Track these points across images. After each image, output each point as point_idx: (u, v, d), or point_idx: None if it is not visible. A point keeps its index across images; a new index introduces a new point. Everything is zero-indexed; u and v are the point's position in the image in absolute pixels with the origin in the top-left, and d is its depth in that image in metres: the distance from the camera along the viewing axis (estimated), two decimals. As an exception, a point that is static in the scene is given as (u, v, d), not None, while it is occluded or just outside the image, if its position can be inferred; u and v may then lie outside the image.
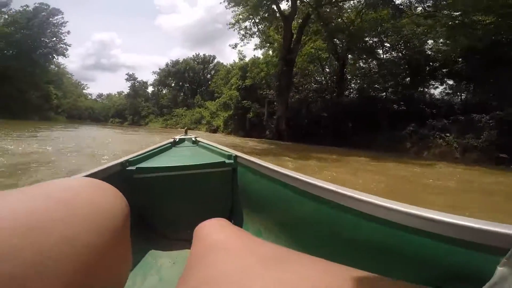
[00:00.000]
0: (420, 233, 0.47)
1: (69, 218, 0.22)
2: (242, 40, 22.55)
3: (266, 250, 0.28)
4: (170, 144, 1.71)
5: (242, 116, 24.57)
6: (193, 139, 1.89)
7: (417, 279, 0.47)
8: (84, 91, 73.71)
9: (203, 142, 1.74)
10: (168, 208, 1.22)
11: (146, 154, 1.34)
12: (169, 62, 63.50)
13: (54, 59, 40.11)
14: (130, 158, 1.18)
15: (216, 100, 31.42)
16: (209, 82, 53.27)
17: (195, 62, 61.60)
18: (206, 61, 62.24)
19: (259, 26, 22.28)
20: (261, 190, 1.01)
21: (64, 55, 39.48)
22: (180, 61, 62.20)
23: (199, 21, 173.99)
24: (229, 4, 21.03)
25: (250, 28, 22.20)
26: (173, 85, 62.16)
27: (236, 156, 1.25)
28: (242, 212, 1.16)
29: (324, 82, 22.62)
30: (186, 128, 2.64)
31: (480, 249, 0.40)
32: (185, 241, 1.03)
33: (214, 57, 63.11)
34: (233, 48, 23.19)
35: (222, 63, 48.53)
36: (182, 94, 60.62)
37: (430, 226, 0.46)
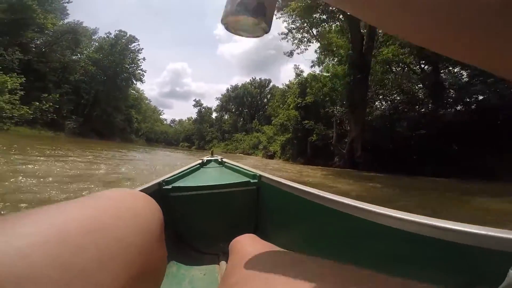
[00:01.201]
0: (435, 242, 0.48)
1: (118, 222, 0.24)
2: (298, 46, 18.10)
3: (290, 257, 0.31)
4: (198, 165, 1.71)
5: (303, 140, 19.50)
6: (219, 160, 1.87)
7: (433, 283, 0.47)
8: (160, 116, 78.85)
9: (229, 163, 1.74)
10: (199, 224, 1.23)
11: (179, 174, 1.38)
12: (229, 88, 63.98)
13: (133, 84, 41.14)
14: (166, 178, 1.21)
15: (273, 121, 27.15)
16: (266, 107, 50.45)
17: (252, 87, 60.30)
18: (262, 85, 60.39)
19: (317, 30, 17.60)
20: (283, 206, 1.04)
21: (141, 80, 40.58)
22: (239, 86, 61.84)
23: (253, 48, 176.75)
24: (278, 11, 17.21)
25: (308, 31, 17.68)
26: (233, 110, 61.61)
27: (260, 176, 1.25)
28: (267, 227, 1.17)
29: (412, 92, 16.04)
30: (212, 149, 2.43)
31: (493, 254, 0.41)
32: (214, 255, 1.11)
33: (269, 81, 60.94)
34: (288, 55, 18.93)
35: (278, 87, 44.96)
36: (241, 119, 59.37)
37: (443, 235, 0.47)
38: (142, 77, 39.76)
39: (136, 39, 37.63)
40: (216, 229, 1.23)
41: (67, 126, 29.67)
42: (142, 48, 38.52)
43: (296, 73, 22.73)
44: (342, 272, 0.25)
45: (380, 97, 17.55)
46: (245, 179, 1.28)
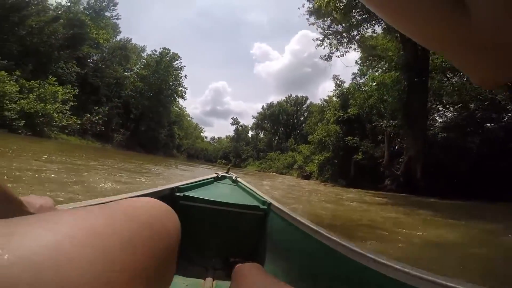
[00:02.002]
0: None
1: (146, 233, 0.25)
2: (337, 48, 16.04)
3: None
4: (213, 179, 1.70)
5: (345, 159, 16.79)
6: (233, 178, 1.85)
7: None
8: (201, 134, 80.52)
9: (242, 183, 1.72)
10: (200, 236, 1.22)
11: (192, 184, 1.37)
12: (264, 105, 63.34)
13: (176, 101, 41.49)
14: (179, 186, 1.24)
15: (309, 138, 24.57)
16: (303, 125, 48.12)
17: (288, 104, 58.73)
18: (298, 103, 58.44)
19: (357, 30, 15.45)
20: (287, 238, 1.01)
21: (183, 97, 41.23)
22: (275, 104, 60.82)
23: (288, 66, 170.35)
24: (310, 15, 15.67)
25: (348, 31, 15.58)
26: (268, 128, 60.43)
27: (270, 203, 1.23)
28: (266, 255, 1.14)
29: (487, 98, 12.49)
30: (229, 166, 2.33)
31: None
32: (204, 269, 1.09)
33: (306, 98, 58.62)
34: (326, 60, 16.84)
35: (315, 104, 42.36)
36: (276, 138, 57.76)
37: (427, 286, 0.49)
38: (184, 94, 40.87)
39: (179, 56, 38.41)
40: (215, 245, 1.21)
41: (115, 139, 31.26)
42: (184, 66, 39.21)
43: (336, 84, 20.41)
44: None
45: (440, 107, 14.24)
46: (255, 203, 1.27)
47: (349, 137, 16.32)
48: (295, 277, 0.87)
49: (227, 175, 1.88)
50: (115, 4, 31.86)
